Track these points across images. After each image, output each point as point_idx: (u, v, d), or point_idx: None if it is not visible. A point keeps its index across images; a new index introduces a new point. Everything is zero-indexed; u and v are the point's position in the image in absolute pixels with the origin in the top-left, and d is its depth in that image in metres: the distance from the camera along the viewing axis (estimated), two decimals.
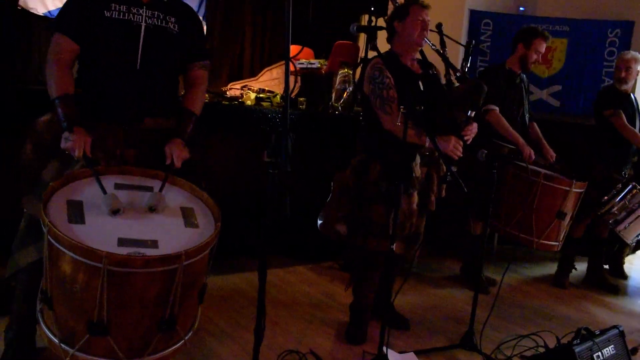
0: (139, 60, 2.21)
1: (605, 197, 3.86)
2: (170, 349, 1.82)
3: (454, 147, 2.60)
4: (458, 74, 2.65)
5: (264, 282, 1.94)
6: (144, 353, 1.75)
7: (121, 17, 2.21)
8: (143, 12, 2.24)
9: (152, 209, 1.92)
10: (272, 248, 3.38)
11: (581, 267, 4.33)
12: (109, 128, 2.17)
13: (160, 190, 2.02)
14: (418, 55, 2.86)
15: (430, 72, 2.85)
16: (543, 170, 3.49)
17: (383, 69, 2.68)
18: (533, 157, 3.61)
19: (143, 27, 2.22)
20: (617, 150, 4.00)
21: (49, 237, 1.68)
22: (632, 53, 4.03)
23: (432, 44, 2.79)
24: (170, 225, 1.90)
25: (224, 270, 3.52)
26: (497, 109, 3.63)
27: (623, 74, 3.97)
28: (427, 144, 2.59)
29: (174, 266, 1.71)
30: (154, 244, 1.77)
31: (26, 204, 2.17)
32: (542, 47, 3.71)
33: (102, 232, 1.75)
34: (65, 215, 1.76)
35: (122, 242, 1.73)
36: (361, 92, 2.83)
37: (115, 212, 1.84)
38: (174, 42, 2.29)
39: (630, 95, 4.05)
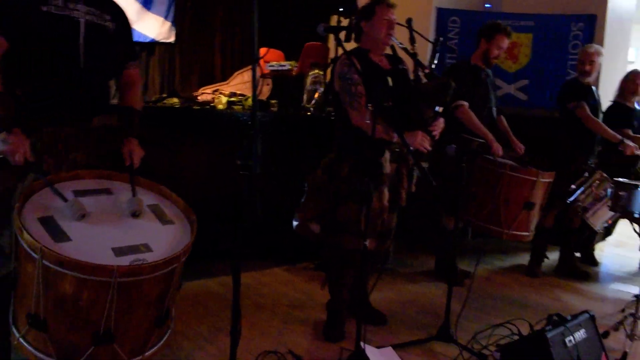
0: (81, 58, 2.12)
1: (573, 186, 3.95)
2: (162, 341, 1.87)
3: (421, 141, 2.65)
4: (426, 71, 2.69)
5: (238, 283, 1.95)
6: (144, 350, 1.79)
7: (59, 12, 2.09)
8: (80, 7, 2.14)
9: (135, 215, 1.92)
10: (247, 251, 3.40)
11: (553, 256, 4.42)
12: (57, 131, 2.08)
13: (133, 194, 2.01)
14: (388, 51, 2.90)
15: (400, 67, 2.90)
16: (509, 162, 3.57)
17: (352, 64, 2.71)
18: (501, 152, 3.68)
19: (82, 23, 2.13)
20: (582, 141, 4.10)
21: (44, 261, 1.62)
22: (595, 47, 4.13)
23: (400, 43, 2.83)
24: (149, 226, 1.92)
25: (199, 275, 3.52)
26: (466, 104, 3.70)
27: (587, 67, 4.07)
28: (395, 140, 2.63)
29: (174, 265, 1.76)
30: (147, 247, 1.80)
31: None
32: (504, 43, 3.78)
33: (93, 245, 1.73)
34: (47, 235, 1.71)
35: (117, 251, 1.73)
36: (332, 91, 2.87)
37: (82, 217, 1.81)
38: (111, 40, 2.24)
39: (592, 87, 4.16)
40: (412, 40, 2.92)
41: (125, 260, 1.70)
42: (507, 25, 3.88)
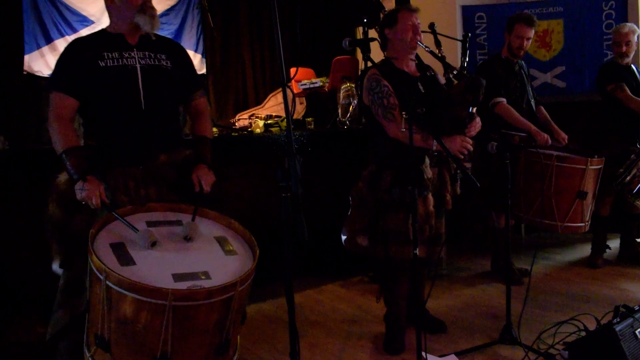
0: (142, 101, 2.29)
1: (620, 170, 3.81)
2: None
3: (461, 146, 2.62)
4: (455, 72, 2.66)
5: (292, 304, 1.96)
6: None
7: (116, 63, 2.28)
8: (135, 54, 2.32)
9: (187, 239, 2.01)
10: (299, 270, 3.41)
11: (614, 244, 4.27)
12: (127, 171, 2.24)
13: (193, 219, 2.11)
14: (414, 59, 2.89)
15: (428, 73, 2.88)
16: (555, 152, 3.47)
17: (379, 78, 2.71)
18: (549, 141, 3.59)
19: (139, 69, 2.30)
20: (628, 123, 3.96)
21: (107, 282, 1.73)
22: (629, 25, 4.00)
23: (425, 46, 2.81)
24: (212, 255, 2.00)
25: (254, 299, 3.54)
26: (504, 100, 3.64)
27: (624, 48, 3.95)
28: (434, 147, 2.61)
29: (231, 294, 1.80)
30: (206, 275, 1.86)
31: (67, 263, 2.21)
32: (525, 32, 3.70)
33: (155, 270, 1.82)
34: (115, 259, 1.83)
35: (177, 277, 1.81)
36: (363, 105, 2.87)
37: (153, 244, 1.92)
38: (169, 78, 2.38)
39: (631, 66, 4.03)
40: (438, 44, 2.91)
41: (183, 286, 1.76)
42: (530, 14, 3.81)
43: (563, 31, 5.13)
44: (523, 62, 3.92)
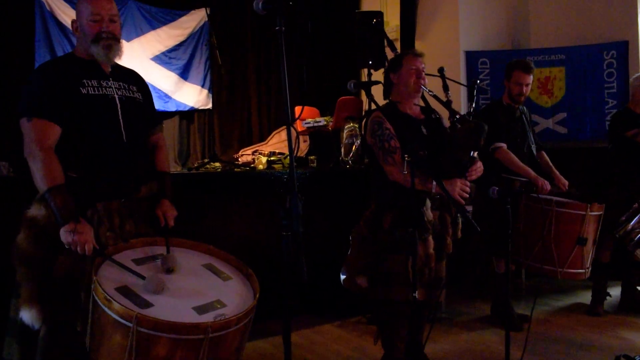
0: (123, 133, 2.23)
1: (623, 218, 3.82)
2: None
3: (461, 190, 2.63)
4: (458, 117, 2.70)
5: (289, 344, 1.94)
6: None
7: (96, 92, 2.20)
8: (112, 83, 2.26)
9: (169, 271, 2.01)
10: (296, 309, 3.38)
11: (614, 292, 4.23)
12: (110, 205, 2.16)
13: (168, 251, 2.11)
14: (421, 102, 2.93)
15: (433, 116, 2.92)
16: (555, 198, 3.48)
17: (382, 120, 2.75)
18: (548, 187, 3.61)
19: (117, 99, 2.25)
20: (632, 171, 3.98)
21: (138, 327, 1.68)
22: None
23: (429, 90, 2.86)
24: (213, 284, 2.03)
25: (250, 336, 3.48)
26: (504, 145, 3.68)
27: None
28: (433, 190, 2.62)
29: (250, 317, 1.88)
30: (220, 303, 1.90)
31: (46, 307, 2.03)
32: (523, 78, 3.76)
33: (175, 308, 1.84)
34: (132, 303, 1.79)
35: (198, 310, 1.84)
36: (366, 144, 2.90)
37: (162, 290, 1.91)
38: (142, 110, 2.35)
39: None
40: (446, 88, 2.95)
41: (210, 317, 1.80)
42: (527, 60, 3.89)
43: (565, 78, 5.21)
44: (525, 107, 3.98)
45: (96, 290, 1.78)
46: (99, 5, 2.21)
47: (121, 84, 2.29)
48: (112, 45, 2.22)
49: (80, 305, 1.97)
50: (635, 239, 3.77)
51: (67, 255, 2.03)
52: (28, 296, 2.04)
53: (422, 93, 2.92)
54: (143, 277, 1.91)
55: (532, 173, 3.63)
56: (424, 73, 2.86)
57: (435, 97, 2.86)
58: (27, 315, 2.02)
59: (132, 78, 2.40)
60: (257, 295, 1.96)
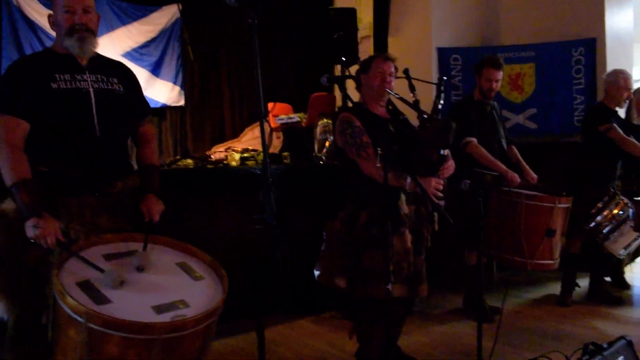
0: (97, 127, 2.18)
1: (593, 211, 3.90)
2: None
3: (434, 189, 2.66)
4: (425, 115, 2.71)
5: (262, 340, 1.94)
6: None
7: (68, 86, 2.16)
8: (87, 77, 2.21)
9: (140, 269, 1.96)
10: (270, 305, 3.36)
11: (583, 283, 4.33)
12: (82, 200, 2.13)
13: (144, 248, 2.06)
14: (384, 106, 2.95)
15: (400, 117, 2.95)
16: (524, 191, 3.55)
17: (351, 119, 2.79)
18: (518, 180, 3.67)
19: (92, 93, 2.20)
20: (607, 165, 4.06)
21: (89, 324, 1.65)
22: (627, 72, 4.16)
23: (395, 93, 2.87)
24: (181, 283, 1.98)
25: (223, 334, 3.46)
26: (474, 140, 3.73)
27: (626, 95, 4.09)
28: (407, 187, 2.64)
29: (213, 318, 1.82)
30: (184, 303, 1.85)
31: (12, 300, 2.04)
32: (491, 74, 3.82)
33: (134, 305, 1.79)
34: (89, 299, 1.76)
35: (157, 309, 1.79)
36: (337, 147, 2.92)
37: (121, 283, 1.87)
38: (121, 103, 2.29)
39: (616, 111, 4.16)
40: (412, 88, 2.98)
41: (166, 317, 1.75)
42: (497, 57, 3.94)
43: (534, 75, 5.30)
44: (496, 103, 4.04)
45: (55, 282, 1.77)
46: None
47: (99, 76, 2.25)
48: (86, 37, 2.19)
49: (46, 299, 1.95)
50: (604, 231, 3.86)
51: (35, 249, 2.02)
52: (5, 287, 2.05)
53: (390, 97, 2.94)
54: (102, 271, 1.88)
55: (502, 166, 3.68)
56: (391, 77, 2.89)
57: (401, 99, 2.87)
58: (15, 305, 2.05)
59: (115, 69, 2.35)
60: (224, 297, 1.89)
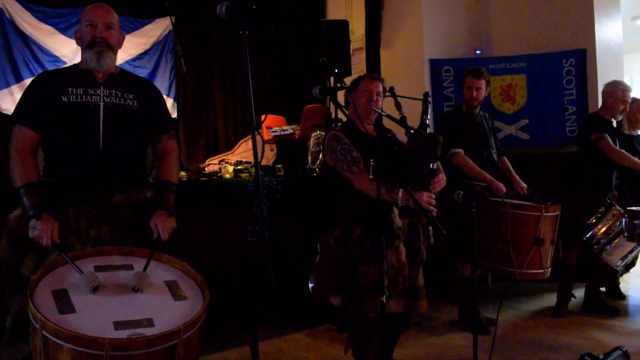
0: (101, 140, 2.24)
1: (589, 222, 3.90)
2: None
3: (427, 203, 2.66)
4: (412, 131, 2.73)
5: (256, 354, 1.91)
6: None
7: (78, 99, 2.24)
8: (100, 91, 2.28)
9: (135, 289, 1.92)
10: (264, 317, 3.34)
11: (579, 293, 4.32)
12: (81, 210, 2.17)
13: (145, 269, 2.02)
14: (371, 123, 2.97)
15: (389, 135, 2.97)
16: (510, 200, 3.56)
17: (339, 136, 2.82)
18: (503, 189, 3.67)
19: (102, 107, 2.26)
20: (601, 174, 4.08)
21: (42, 331, 1.65)
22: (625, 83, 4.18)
23: (382, 111, 2.89)
24: (159, 301, 1.92)
25: (217, 347, 3.44)
26: (461, 151, 3.75)
27: (622, 107, 4.11)
28: (399, 202, 2.64)
29: (174, 341, 1.72)
30: (149, 322, 1.78)
31: (10, 301, 2.13)
32: (473, 82, 3.86)
33: (95, 318, 1.75)
34: (55, 307, 1.75)
35: (118, 325, 1.73)
36: (327, 166, 2.93)
37: (95, 289, 1.84)
38: (134, 118, 2.34)
39: (611, 121, 4.19)
40: (398, 106, 3.01)
41: (123, 334, 1.69)
42: (479, 67, 3.98)
43: (526, 86, 5.33)
44: (486, 114, 4.06)
45: (28, 287, 1.78)
46: (95, 13, 2.32)
47: (114, 91, 2.32)
48: (103, 51, 2.30)
49: None
50: (601, 242, 3.86)
51: (34, 253, 2.12)
52: (7, 288, 2.16)
53: (377, 115, 2.96)
54: (81, 272, 1.89)
55: (488, 176, 3.69)
56: (379, 96, 2.93)
57: (388, 116, 2.89)
58: (10, 305, 2.14)
59: (134, 86, 2.41)
60: (190, 319, 1.80)
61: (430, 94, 3.74)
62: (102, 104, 2.27)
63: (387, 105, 3.00)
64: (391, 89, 3.10)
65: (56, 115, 2.23)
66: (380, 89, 2.95)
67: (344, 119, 3.31)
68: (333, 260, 2.80)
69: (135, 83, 2.44)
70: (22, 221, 2.15)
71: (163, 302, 1.92)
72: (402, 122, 2.83)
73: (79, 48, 2.39)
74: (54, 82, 2.29)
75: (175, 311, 1.88)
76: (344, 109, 2.96)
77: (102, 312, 1.78)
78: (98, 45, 2.28)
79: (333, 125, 4.47)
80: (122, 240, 2.19)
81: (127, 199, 2.28)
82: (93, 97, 2.27)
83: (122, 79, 2.39)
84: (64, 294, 1.82)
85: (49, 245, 2.05)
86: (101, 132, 2.25)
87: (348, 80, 4.00)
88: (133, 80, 2.45)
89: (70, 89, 2.25)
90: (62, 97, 2.23)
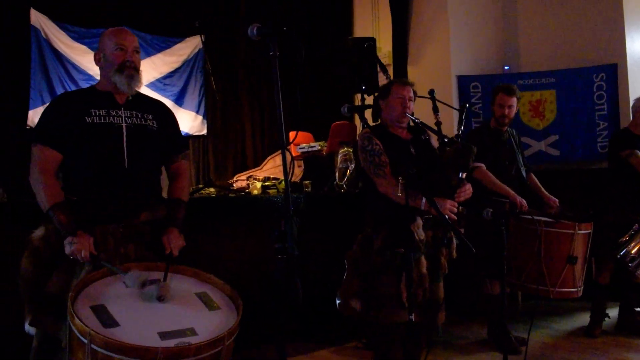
0: (126, 160, 2.29)
1: (624, 239, 3.82)
2: None
3: (449, 211, 2.65)
4: (447, 139, 2.73)
5: None
6: None
7: (102, 120, 2.29)
8: (122, 113, 2.34)
9: (160, 299, 1.98)
10: (292, 334, 3.34)
11: (612, 313, 4.22)
12: (107, 228, 2.22)
13: (164, 279, 2.09)
14: (404, 127, 2.97)
15: (422, 137, 2.96)
16: (544, 218, 3.50)
17: (371, 136, 2.83)
18: (525, 205, 3.62)
19: (124, 128, 2.31)
20: (633, 191, 4.00)
21: (92, 345, 1.69)
22: None
23: (416, 118, 2.89)
24: (196, 312, 1.99)
25: None
26: (483, 165, 3.72)
27: None
28: (422, 207, 2.63)
29: (219, 348, 1.79)
30: (192, 331, 1.85)
31: (37, 322, 2.15)
32: (505, 100, 3.82)
33: (140, 330, 1.80)
34: (98, 322, 1.80)
35: (163, 335, 1.79)
36: (359, 167, 2.94)
37: (143, 284, 1.94)
38: (154, 138, 2.39)
39: None
40: (435, 110, 2.99)
41: (171, 343, 1.75)
42: (510, 84, 3.95)
43: (556, 101, 5.27)
44: (514, 130, 4.03)
45: (68, 305, 1.82)
46: (124, 37, 2.37)
47: (134, 112, 2.37)
48: (134, 75, 2.34)
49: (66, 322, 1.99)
50: (637, 259, 3.78)
51: (60, 273, 2.15)
52: (26, 309, 2.18)
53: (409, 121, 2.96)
54: (125, 273, 1.97)
55: (511, 191, 3.65)
56: (410, 102, 2.92)
57: (422, 124, 2.89)
58: (27, 326, 2.18)
59: (152, 107, 2.47)
60: (235, 325, 1.89)
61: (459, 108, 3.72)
62: (124, 124, 2.32)
63: (419, 108, 2.97)
64: (431, 92, 3.09)
65: (80, 136, 2.26)
66: (412, 94, 2.94)
67: None
68: (356, 265, 2.82)
69: (152, 105, 2.50)
70: (47, 239, 2.19)
71: (199, 312, 1.98)
72: (437, 127, 2.82)
73: None
74: (75, 103, 2.32)
75: (212, 320, 1.94)
76: (372, 118, 2.96)
77: (145, 324, 1.84)
78: (128, 69, 2.32)
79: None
80: (146, 257, 2.24)
81: (150, 216, 2.34)
82: (115, 118, 2.31)
83: (140, 100, 2.44)
84: (102, 309, 1.86)
85: (87, 259, 2.10)
86: (125, 152, 2.29)
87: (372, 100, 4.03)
88: (149, 102, 2.51)
89: (93, 110, 2.29)
90: (86, 118, 2.27)
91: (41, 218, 2.25)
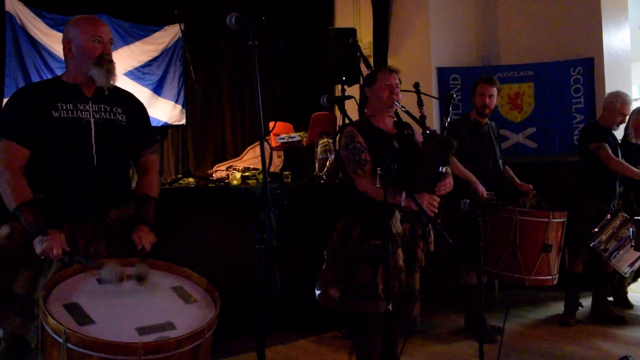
0: (94, 156, 2.21)
1: (595, 229, 3.90)
2: None
3: (428, 204, 2.66)
4: (428, 132, 2.74)
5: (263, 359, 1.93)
6: None
7: (69, 115, 2.19)
8: (90, 107, 2.24)
9: (140, 279, 1.98)
10: (270, 324, 3.34)
11: (587, 302, 4.30)
12: (77, 227, 2.16)
13: (141, 260, 2.09)
14: (393, 117, 2.97)
15: (406, 132, 2.96)
16: (518, 207, 3.56)
17: (354, 134, 2.80)
18: (485, 194, 3.65)
19: (92, 123, 2.22)
20: (604, 183, 4.08)
21: (67, 344, 1.65)
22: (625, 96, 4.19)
23: (402, 106, 2.90)
24: (173, 306, 1.96)
25: (223, 354, 3.45)
26: None
27: (619, 119, 4.14)
28: (402, 203, 2.65)
29: (199, 341, 1.77)
30: (170, 325, 1.83)
31: (4, 322, 2.09)
32: (486, 89, 3.87)
33: (117, 327, 1.77)
34: (72, 320, 1.75)
35: (142, 331, 1.77)
36: (339, 159, 2.94)
37: (121, 279, 1.92)
38: (123, 133, 2.31)
39: (611, 129, 4.19)
40: (420, 103, 3.00)
41: (150, 338, 1.73)
42: (490, 75, 3.99)
43: (534, 94, 5.33)
44: (493, 123, 4.07)
45: (40, 304, 1.78)
46: (100, 29, 2.27)
47: (102, 106, 2.28)
48: (112, 69, 2.26)
49: (35, 322, 1.96)
50: (609, 249, 3.86)
51: (27, 272, 2.09)
52: None
53: (397, 109, 2.96)
54: (99, 267, 1.95)
55: (474, 178, 3.66)
56: (397, 89, 2.91)
57: (408, 113, 2.90)
58: (4, 326, 2.11)
59: (121, 100, 2.37)
60: (214, 318, 1.87)
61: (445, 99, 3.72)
62: (92, 119, 2.23)
63: (402, 101, 2.95)
64: (416, 85, 3.09)
65: (47, 131, 2.15)
66: (398, 82, 2.92)
67: None
68: (334, 254, 2.83)
69: (121, 97, 2.40)
70: (13, 238, 2.12)
71: (176, 306, 1.96)
72: (421, 121, 2.83)
73: None
74: (41, 96, 2.21)
75: (190, 313, 1.93)
76: (358, 106, 2.95)
77: (122, 320, 1.81)
78: (107, 62, 2.24)
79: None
80: (116, 256, 2.18)
81: (120, 214, 2.28)
82: (83, 112, 2.22)
83: (111, 93, 2.33)
84: (76, 307, 1.82)
85: (60, 255, 2.03)
86: (94, 149, 2.21)
87: (353, 91, 4.02)
88: (119, 93, 2.40)
89: (59, 104, 2.19)
90: (53, 112, 2.17)
91: (7, 216, 2.16)
